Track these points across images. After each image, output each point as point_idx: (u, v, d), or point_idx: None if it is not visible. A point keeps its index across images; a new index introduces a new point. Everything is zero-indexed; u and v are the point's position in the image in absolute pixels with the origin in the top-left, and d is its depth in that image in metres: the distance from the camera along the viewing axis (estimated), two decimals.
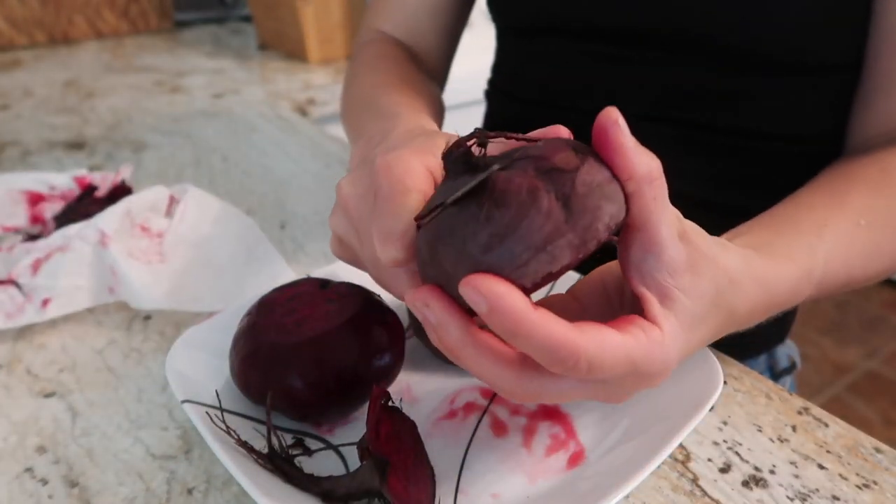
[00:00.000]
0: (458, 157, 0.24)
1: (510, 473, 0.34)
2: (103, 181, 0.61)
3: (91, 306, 0.48)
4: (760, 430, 0.37)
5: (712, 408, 0.38)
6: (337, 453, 0.35)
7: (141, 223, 0.53)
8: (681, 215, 0.26)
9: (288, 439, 0.36)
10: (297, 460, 0.34)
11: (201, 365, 0.38)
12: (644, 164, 0.23)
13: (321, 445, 0.36)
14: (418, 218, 0.25)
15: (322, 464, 0.34)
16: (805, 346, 1.90)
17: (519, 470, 0.34)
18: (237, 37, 1.49)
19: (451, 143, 0.25)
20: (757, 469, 0.35)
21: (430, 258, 0.24)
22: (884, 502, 0.33)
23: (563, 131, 0.27)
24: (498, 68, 0.65)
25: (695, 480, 0.34)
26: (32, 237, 0.53)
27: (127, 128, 0.90)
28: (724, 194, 0.52)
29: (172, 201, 0.56)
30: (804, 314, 2.01)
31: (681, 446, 0.36)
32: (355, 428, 0.37)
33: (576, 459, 0.34)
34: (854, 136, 0.48)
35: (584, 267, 0.28)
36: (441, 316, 0.24)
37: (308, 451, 0.35)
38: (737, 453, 0.36)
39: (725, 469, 0.35)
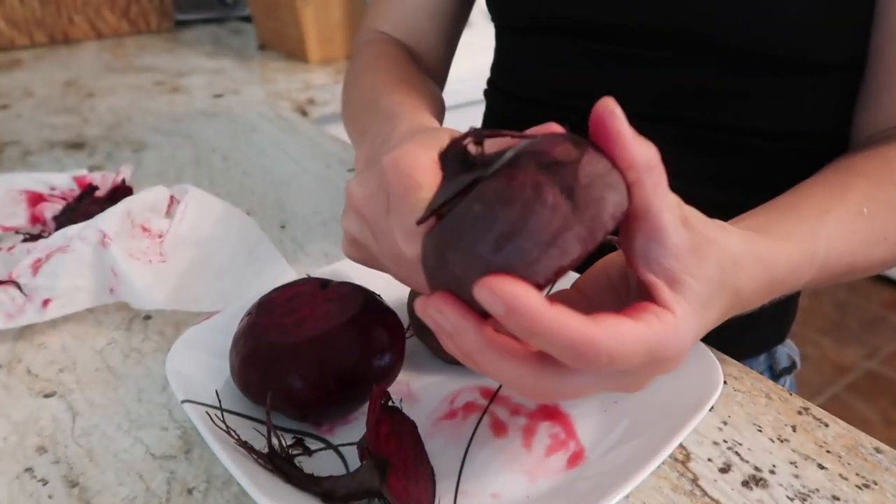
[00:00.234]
0: (455, 156, 0.24)
1: (510, 473, 0.34)
2: (103, 181, 0.61)
3: (91, 307, 0.48)
4: (760, 430, 0.37)
5: (712, 408, 0.38)
6: (337, 453, 0.35)
7: (141, 223, 0.53)
8: (681, 201, 0.26)
9: (288, 439, 0.36)
10: (297, 460, 0.34)
11: (201, 365, 0.38)
12: (643, 153, 0.24)
13: (321, 445, 0.36)
14: (420, 220, 0.25)
15: (322, 464, 0.34)
16: (805, 346, 1.90)
17: (519, 470, 0.34)
18: (237, 37, 1.49)
19: (446, 144, 0.24)
20: (757, 469, 0.35)
21: (438, 264, 0.24)
22: (884, 502, 0.33)
23: (556, 129, 0.27)
24: (497, 68, 0.65)
25: (695, 480, 0.34)
26: (32, 237, 0.53)
27: (127, 128, 0.90)
28: (724, 194, 0.52)
29: (173, 201, 0.56)
30: (804, 314, 2.01)
31: (681, 446, 0.36)
32: (355, 428, 0.37)
33: (576, 459, 0.34)
34: (858, 134, 0.48)
35: (581, 267, 0.28)
36: (456, 322, 0.23)
37: (308, 451, 0.35)
38: (737, 453, 0.36)
39: (725, 469, 0.35)
